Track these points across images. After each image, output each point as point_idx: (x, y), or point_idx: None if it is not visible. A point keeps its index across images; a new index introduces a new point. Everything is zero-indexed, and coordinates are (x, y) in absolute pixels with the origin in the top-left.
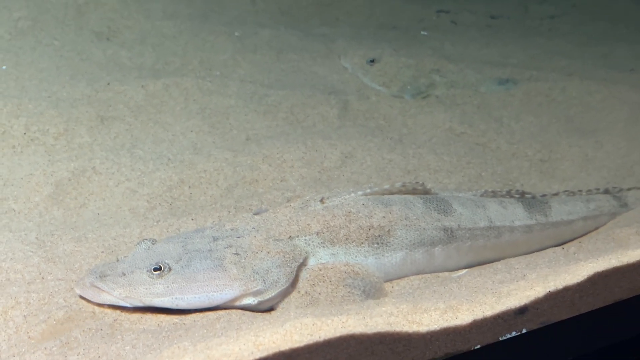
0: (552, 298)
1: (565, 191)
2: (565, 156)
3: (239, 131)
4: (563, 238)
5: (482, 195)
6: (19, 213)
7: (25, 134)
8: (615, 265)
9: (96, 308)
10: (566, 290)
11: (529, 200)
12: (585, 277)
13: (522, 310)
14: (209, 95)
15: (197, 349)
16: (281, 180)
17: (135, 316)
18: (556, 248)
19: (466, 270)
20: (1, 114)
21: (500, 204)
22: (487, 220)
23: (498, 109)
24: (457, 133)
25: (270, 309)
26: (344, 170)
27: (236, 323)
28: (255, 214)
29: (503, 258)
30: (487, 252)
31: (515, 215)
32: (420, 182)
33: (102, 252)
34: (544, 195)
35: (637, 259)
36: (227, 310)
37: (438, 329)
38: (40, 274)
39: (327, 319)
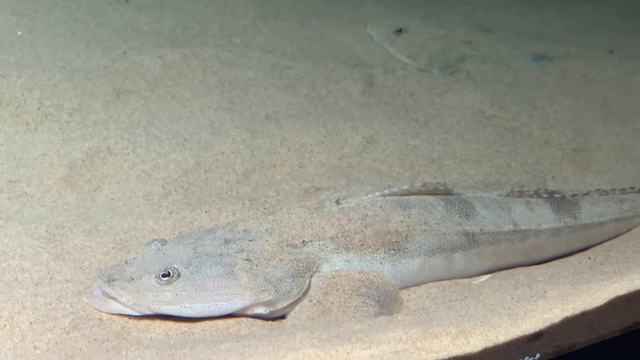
0: (569, 322)
1: (597, 190)
2: (601, 145)
3: (258, 108)
4: (592, 241)
5: (507, 195)
6: (32, 197)
7: (39, 109)
8: (637, 287)
9: (104, 315)
10: (584, 314)
11: (558, 201)
12: (606, 300)
13: (536, 336)
14: (228, 67)
15: None
16: (299, 167)
17: (143, 324)
18: (582, 257)
19: (488, 276)
20: (15, 86)
21: (526, 206)
22: (511, 224)
23: (532, 88)
24: (487, 116)
25: (282, 317)
26: (364, 157)
27: (241, 345)
28: (268, 214)
29: (527, 262)
30: (511, 256)
31: (542, 217)
32: (442, 182)
33: (113, 247)
34: (574, 195)
35: None
36: (237, 319)
37: (447, 357)
38: (48, 273)
39: (332, 349)
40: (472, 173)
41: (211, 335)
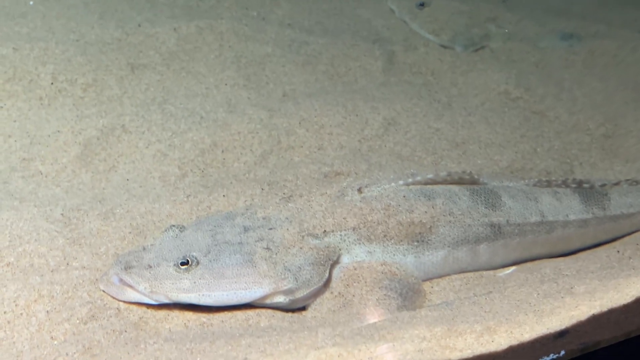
0: (596, 320)
1: (627, 180)
2: (631, 131)
3: (275, 85)
4: (621, 232)
5: (534, 185)
6: (46, 176)
7: (52, 84)
8: None
9: (121, 304)
10: (611, 312)
11: (587, 191)
12: (634, 298)
13: (562, 334)
14: (244, 42)
15: None
16: (319, 149)
17: (162, 314)
18: (611, 250)
19: (513, 268)
20: (28, 60)
21: (554, 196)
22: (538, 215)
23: (559, 69)
24: (513, 98)
25: (302, 308)
26: (385, 140)
27: (262, 342)
28: (288, 199)
29: (554, 254)
30: (537, 248)
31: (570, 208)
32: (468, 171)
33: (130, 232)
34: (603, 185)
35: None
36: (257, 311)
37: (471, 356)
38: (65, 259)
39: (355, 349)
40: (497, 159)
41: (230, 328)
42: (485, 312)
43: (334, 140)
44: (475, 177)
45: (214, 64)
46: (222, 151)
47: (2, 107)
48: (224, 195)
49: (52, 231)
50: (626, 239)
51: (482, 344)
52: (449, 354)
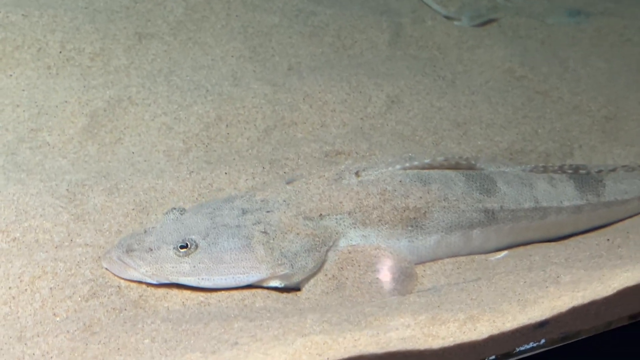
0: (576, 311)
1: (624, 166)
2: (633, 114)
3: (281, 58)
4: (615, 218)
5: (531, 171)
6: (53, 148)
7: (60, 52)
8: None
9: (122, 282)
10: (592, 304)
11: (582, 177)
12: (616, 290)
13: (542, 324)
14: (252, 11)
15: None
16: (321, 126)
17: (161, 292)
18: (601, 238)
19: (505, 252)
20: (37, 27)
21: (549, 182)
22: (532, 201)
23: (565, 47)
24: (517, 76)
25: (297, 288)
26: (388, 119)
27: (253, 326)
28: (288, 182)
29: (547, 239)
30: (530, 233)
31: (565, 194)
32: (465, 157)
33: (133, 209)
34: (599, 172)
35: None
36: (253, 291)
37: (452, 345)
38: (69, 235)
39: (339, 336)
40: (497, 140)
41: (227, 307)
42: (471, 299)
43: (336, 117)
44: (472, 162)
45: (221, 34)
46: (227, 125)
47: (11, 75)
48: (225, 173)
49: (57, 207)
50: (619, 225)
51: (464, 332)
52: (432, 341)
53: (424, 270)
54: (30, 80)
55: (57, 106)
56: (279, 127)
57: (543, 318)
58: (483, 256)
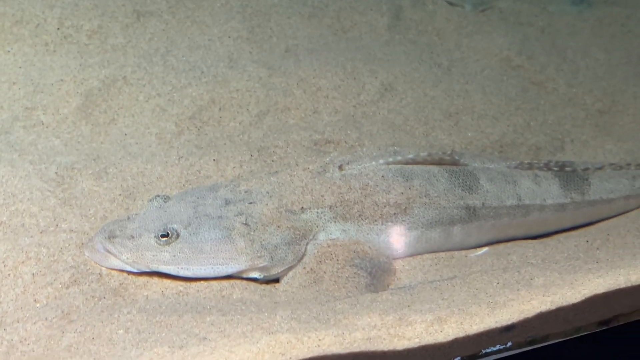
0: (543, 316)
1: (612, 164)
2: (628, 109)
3: (278, 39)
4: (599, 217)
5: (516, 167)
6: (47, 127)
7: (58, 29)
8: (621, 286)
9: (103, 270)
10: (560, 310)
11: (567, 175)
12: (584, 297)
13: (509, 328)
14: None
15: (173, 358)
16: (314, 112)
17: (141, 280)
18: (580, 239)
19: (486, 249)
20: (36, 2)
21: (533, 180)
22: (515, 198)
23: (565, 36)
24: (513, 65)
25: (276, 280)
26: (380, 107)
27: (224, 320)
28: (273, 173)
29: (530, 235)
30: (512, 230)
31: (549, 192)
32: (449, 152)
33: (120, 194)
34: (585, 169)
35: None
36: (232, 282)
37: (417, 346)
38: (54, 219)
39: (304, 336)
40: (488, 132)
41: (204, 298)
42: (443, 299)
43: (329, 104)
44: (456, 158)
45: (220, 13)
46: (220, 109)
47: (9, 51)
48: (214, 160)
49: (45, 190)
50: (602, 225)
51: (430, 333)
52: (397, 342)
53: (403, 265)
54: (28, 57)
55: (52, 84)
56: (272, 112)
57: (510, 322)
58: (463, 252)
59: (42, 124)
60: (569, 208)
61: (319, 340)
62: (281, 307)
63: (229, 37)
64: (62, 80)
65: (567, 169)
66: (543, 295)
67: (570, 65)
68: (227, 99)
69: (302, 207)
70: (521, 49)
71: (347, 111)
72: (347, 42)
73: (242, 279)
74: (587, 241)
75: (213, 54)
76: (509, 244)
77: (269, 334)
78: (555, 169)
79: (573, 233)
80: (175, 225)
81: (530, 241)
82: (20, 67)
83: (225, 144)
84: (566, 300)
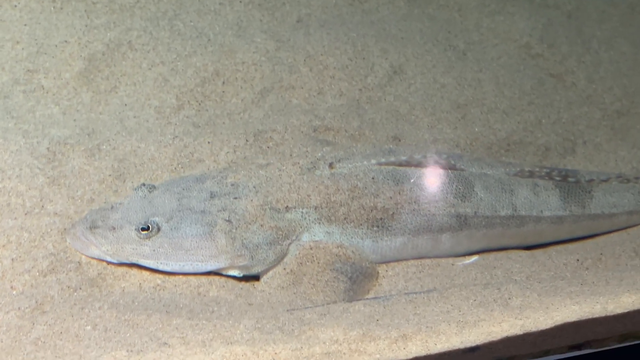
0: (510, 340)
1: (619, 177)
2: None
3: (291, 7)
4: (599, 230)
5: (516, 175)
6: (47, 92)
7: None
8: (595, 315)
9: (83, 258)
10: (527, 335)
11: (569, 186)
12: (555, 324)
13: (473, 349)
14: None
15: None
16: (318, 93)
17: (120, 271)
18: (570, 258)
19: (476, 257)
20: None
21: (532, 189)
22: (510, 208)
23: (592, 23)
24: (533, 54)
25: (255, 277)
26: (387, 92)
27: (189, 325)
28: (263, 165)
29: (524, 245)
30: (505, 240)
31: (547, 204)
32: (444, 155)
33: (110, 175)
34: (590, 181)
35: (624, 310)
36: (210, 278)
37: None
38: (41, 200)
39: (261, 349)
40: (496, 127)
41: (180, 294)
42: (415, 314)
43: (334, 85)
44: (452, 162)
45: None
46: (223, 83)
47: (15, 6)
48: (209, 142)
49: (35, 167)
50: (599, 240)
51: (393, 350)
52: (357, 357)
53: (387, 271)
54: (34, 14)
55: (56, 45)
56: (276, 89)
57: (475, 344)
58: (451, 260)
59: (43, 89)
60: (567, 221)
61: (275, 354)
62: (249, 313)
63: (240, 1)
64: (66, 41)
65: (570, 179)
66: (515, 318)
67: (593, 57)
68: (232, 71)
69: (287, 206)
70: (543, 35)
71: (352, 95)
72: (362, 15)
73: (222, 275)
74: (578, 260)
75: (222, 20)
76: (499, 255)
77: (227, 344)
78: (557, 178)
79: (568, 246)
80: (156, 219)
81: (520, 253)
82: (25, 25)
83: (224, 122)
84: (536, 325)
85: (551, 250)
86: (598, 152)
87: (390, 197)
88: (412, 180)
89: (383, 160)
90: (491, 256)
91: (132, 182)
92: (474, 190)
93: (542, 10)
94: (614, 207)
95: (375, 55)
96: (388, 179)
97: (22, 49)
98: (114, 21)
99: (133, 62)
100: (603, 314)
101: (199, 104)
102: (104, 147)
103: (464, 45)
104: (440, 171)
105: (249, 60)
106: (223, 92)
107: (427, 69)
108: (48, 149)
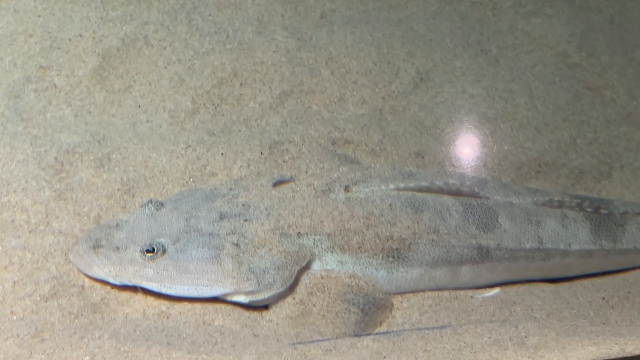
0: None
1: None
2: None
3: (315, 1)
4: (631, 265)
5: (544, 204)
6: (59, 92)
7: None
8: (612, 356)
9: (86, 281)
10: None
11: (601, 219)
12: None
13: None
14: None
15: None
16: (339, 99)
17: (124, 296)
18: (596, 296)
19: (496, 290)
20: None
21: (560, 221)
22: (536, 241)
23: (636, 32)
24: (570, 63)
25: (265, 307)
26: (411, 101)
27: (189, 358)
28: (275, 183)
29: (550, 278)
30: (529, 273)
31: (575, 237)
32: (468, 182)
33: (118, 189)
34: (623, 213)
35: None
36: (216, 306)
37: None
38: (46, 216)
39: None
40: (527, 146)
41: (184, 322)
42: (425, 351)
43: (357, 91)
44: (475, 190)
45: None
46: (241, 84)
47: None
48: (222, 154)
49: (41, 180)
50: (629, 276)
51: None
52: None
53: (401, 303)
54: (48, 4)
55: (70, 39)
56: (295, 93)
57: None
58: (470, 292)
59: (55, 88)
60: (596, 256)
61: None
62: (253, 347)
63: None
64: (80, 35)
65: (603, 211)
66: (529, 358)
67: (636, 70)
68: (251, 72)
69: (299, 232)
70: (582, 42)
71: (375, 103)
72: (389, 11)
73: (228, 302)
74: (604, 298)
75: (242, 14)
76: (521, 289)
77: None
78: (589, 210)
79: (596, 281)
80: (162, 240)
81: (544, 287)
82: (39, 16)
83: (240, 130)
84: None
85: (577, 284)
86: (636, 177)
87: (408, 227)
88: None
89: (402, 185)
90: (512, 290)
91: (141, 198)
92: (497, 221)
93: (583, 14)
94: None
95: (400, 60)
96: (406, 206)
97: (35, 42)
98: (130, 14)
99: (149, 60)
100: (620, 356)
101: (215, 108)
102: (114, 156)
103: (496, 50)
104: (463, 199)
105: (269, 61)
106: (240, 94)
107: (456, 76)
108: (56, 158)
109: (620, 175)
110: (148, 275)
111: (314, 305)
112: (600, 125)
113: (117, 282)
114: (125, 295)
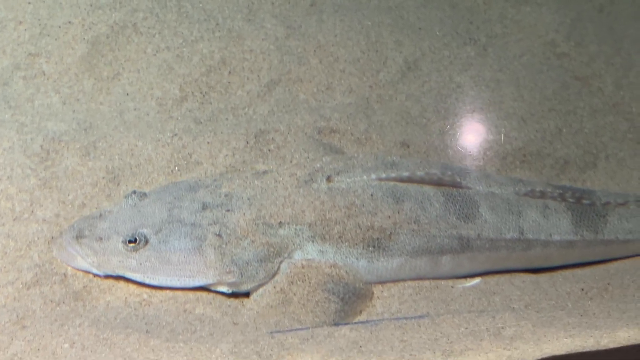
0: None
1: (638, 200)
2: None
3: None
4: (612, 256)
5: (525, 195)
6: (48, 79)
7: None
8: (586, 349)
9: (69, 270)
10: None
11: (583, 209)
12: (542, 356)
13: None
14: None
15: None
16: (327, 88)
17: (106, 284)
18: (575, 287)
19: (477, 280)
20: None
21: (542, 212)
22: (516, 231)
23: (625, 21)
24: (558, 53)
25: (246, 293)
26: (398, 90)
27: (165, 347)
28: (259, 173)
29: (530, 268)
30: (510, 263)
31: (556, 227)
32: (449, 172)
33: (103, 177)
34: (605, 204)
35: (618, 344)
36: (198, 295)
37: None
38: (31, 204)
39: None
40: (512, 136)
41: (165, 311)
42: (401, 340)
43: (344, 80)
44: (457, 179)
45: None
46: (229, 72)
47: None
48: (208, 143)
49: (27, 168)
50: (610, 266)
51: None
52: None
53: (382, 292)
54: None
55: (59, 27)
56: (283, 82)
57: None
58: (450, 282)
59: (44, 75)
60: (577, 246)
61: None
62: (230, 336)
63: None
64: (69, 22)
65: (585, 201)
66: (503, 349)
67: (623, 60)
68: (239, 60)
69: (281, 222)
70: (571, 32)
71: (362, 92)
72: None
73: (210, 291)
74: (583, 289)
75: (232, 2)
76: (501, 279)
77: None
78: (571, 200)
79: (577, 272)
80: (145, 230)
81: (524, 277)
82: (29, 3)
83: (227, 118)
84: (523, 357)
85: (558, 275)
86: (621, 168)
87: (389, 217)
88: None
89: (384, 175)
90: (493, 280)
91: (126, 186)
92: (478, 211)
93: (572, 2)
94: (629, 234)
95: (389, 48)
96: (387, 196)
97: (25, 30)
98: (119, 1)
99: (137, 47)
100: (595, 348)
101: (203, 96)
102: (100, 144)
103: (485, 39)
104: (444, 190)
105: (257, 48)
106: (229, 82)
107: (444, 65)
108: (42, 146)
109: (605, 166)
110: (131, 266)
111: (295, 294)
112: (587, 115)
113: (100, 273)
114: (107, 283)
